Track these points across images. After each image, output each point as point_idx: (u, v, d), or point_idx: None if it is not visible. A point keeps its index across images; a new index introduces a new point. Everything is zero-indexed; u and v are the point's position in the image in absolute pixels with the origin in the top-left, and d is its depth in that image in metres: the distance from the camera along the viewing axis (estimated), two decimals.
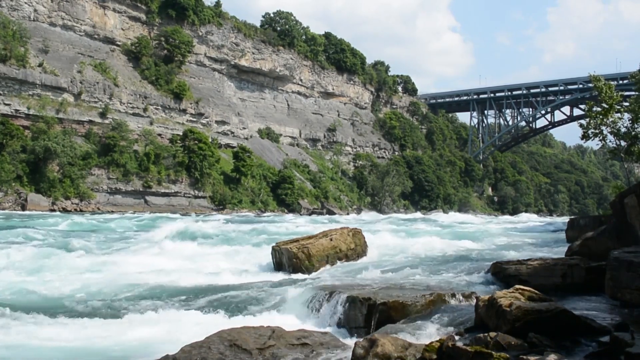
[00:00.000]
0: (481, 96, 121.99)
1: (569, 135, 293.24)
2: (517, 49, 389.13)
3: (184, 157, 68.30)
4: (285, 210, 75.77)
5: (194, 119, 77.10)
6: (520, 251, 19.59)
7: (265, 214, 67.87)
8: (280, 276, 15.42)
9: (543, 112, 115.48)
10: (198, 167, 68.55)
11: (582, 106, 75.58)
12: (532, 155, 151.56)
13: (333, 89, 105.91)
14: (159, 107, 72.85)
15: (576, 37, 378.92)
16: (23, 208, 51.18)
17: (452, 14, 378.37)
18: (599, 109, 24.01)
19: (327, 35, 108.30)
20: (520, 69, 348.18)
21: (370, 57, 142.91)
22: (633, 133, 23.27)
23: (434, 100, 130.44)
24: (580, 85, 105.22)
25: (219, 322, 10.27)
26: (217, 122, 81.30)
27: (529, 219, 62.96)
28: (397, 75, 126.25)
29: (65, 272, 15.54)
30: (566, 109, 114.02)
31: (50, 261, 16.90)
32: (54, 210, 52.33)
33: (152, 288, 13.35)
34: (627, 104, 30.11)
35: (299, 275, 15.22)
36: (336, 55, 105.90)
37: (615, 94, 23.11)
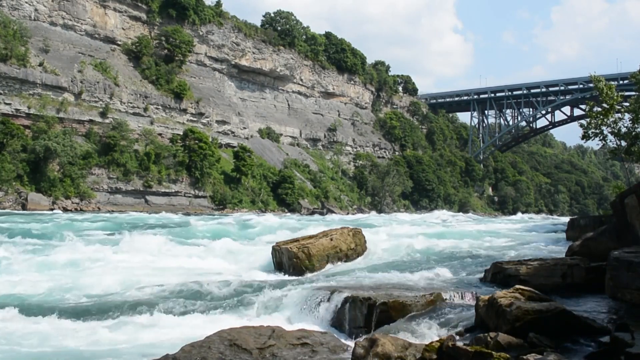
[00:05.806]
0: (481, 96, 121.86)
1: (569, 135, 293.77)
2: (522, 49, 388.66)
3: (185, 157, 68.25)
4: (286, 210, 75.67)
5: (195, 119, 77.04)
6: (520, 251, 19.60)
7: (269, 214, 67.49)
8: (280, 276, 15.43)
9: (543, 112, 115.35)
10: (198, 166, 68.51)
11: (583, 106, 75.50)
12: (533, 155, 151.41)
13: (333, 89, 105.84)
14: (160, 107, 72.78)
15: (580, 36, 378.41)
16: (23, 207, 51.16)
17: (457, 14, 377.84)
18: (599, 109, 24.03)
19: (328, 35, 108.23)
20: (524, 68, 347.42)
21: (374, 57, 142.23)
22: (633, 133, 23.27)
23: (435, 100, 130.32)
24: (581, 85, 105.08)
25: (218, 321, 10.28)
26: (217, 121, 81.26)
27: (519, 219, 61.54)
28: (398, 75, 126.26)
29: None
30: (566, 109, 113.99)
31: None
32: (54, 210, 52.30)
33: (151, 287, 13.35)
34: (627, 104, 30.08)
35: (299, 275, 15.22)
36: (337, 55, 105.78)
37: (615, 94, 23.12)
